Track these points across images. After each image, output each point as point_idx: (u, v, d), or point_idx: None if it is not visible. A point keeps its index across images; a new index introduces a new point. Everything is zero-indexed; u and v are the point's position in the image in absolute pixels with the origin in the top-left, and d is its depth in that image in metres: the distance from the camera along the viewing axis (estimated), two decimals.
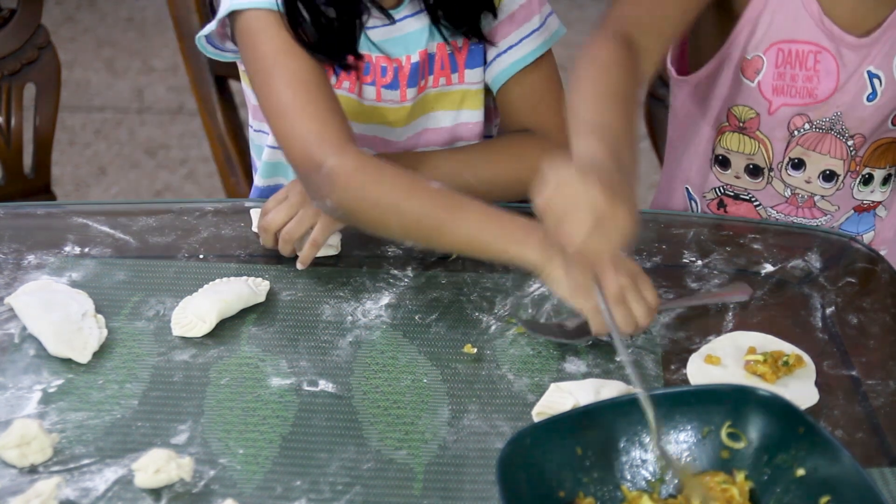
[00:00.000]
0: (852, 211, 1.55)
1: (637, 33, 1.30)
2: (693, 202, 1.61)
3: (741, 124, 1.49)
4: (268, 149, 1.53)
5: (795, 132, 1.47)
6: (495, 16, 1.43)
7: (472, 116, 1.50)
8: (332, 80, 1.41)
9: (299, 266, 1.32)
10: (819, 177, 1.50)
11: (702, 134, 1.54)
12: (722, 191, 1.57)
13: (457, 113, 1.49)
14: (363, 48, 1.41)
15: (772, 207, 1.55)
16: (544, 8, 1.47)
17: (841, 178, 1.50)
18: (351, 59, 1.40)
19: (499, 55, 1.45)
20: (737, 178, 1.54)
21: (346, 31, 1.38)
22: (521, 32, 1.45)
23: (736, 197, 1.56)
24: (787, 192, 1.52)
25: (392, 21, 1.41)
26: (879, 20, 1.40)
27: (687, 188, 1.60)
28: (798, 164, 1.49)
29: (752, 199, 1.55)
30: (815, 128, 1.46)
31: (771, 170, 1.51)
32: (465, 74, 1.47)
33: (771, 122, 1.47)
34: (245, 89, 1.50)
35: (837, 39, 1.40)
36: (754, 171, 1.52)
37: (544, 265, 1.17)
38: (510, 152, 1.44)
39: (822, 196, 1.52)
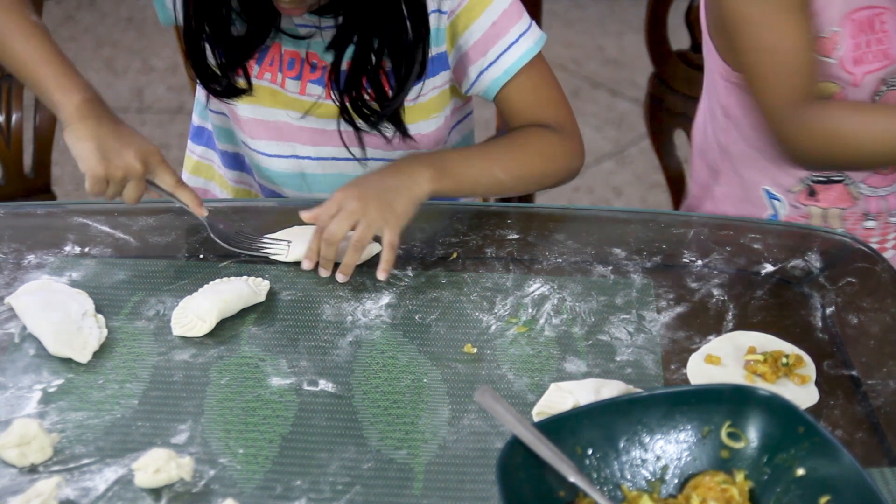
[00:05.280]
0: None
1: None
2: (776, 201, 1.59)
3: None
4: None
5: (876, 97, 1.47)
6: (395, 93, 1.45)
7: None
8: (255, 69, 1.48)
9: (381, 276, 1.31)
10: None
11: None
12: (811, 180, 1.55)
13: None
14: (272, 38, 1.47)
15: (861, 182, 1.53)
16: (525, 15, 1.48)
17: None
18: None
19: (492, 63, 1.47)
20: None
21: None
22: (508, 39, 1.46)
23: (828, 181, 1.54)
24: None
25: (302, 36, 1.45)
26: None
27: (766, 189, 1.59)
28: None
29: (843, 179, 1.53)
30: (890, 86, 1.46)
31: None
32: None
33: (857, 94, 1.46)
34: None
35: None
36: None
37: (71, 121, 1.32)
38: (535, 150, 1.48)
39: None
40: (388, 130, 1.47)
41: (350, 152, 1.50)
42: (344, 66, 1.42)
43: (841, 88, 1.46)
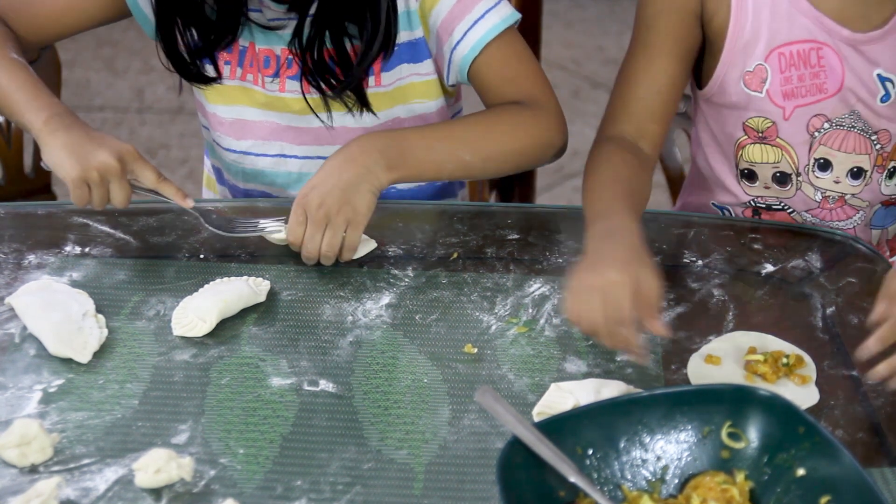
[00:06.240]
0: (880, 205, 1.54)
1: (631, 135, 1.43)
2: (726, 212, 1.59)
3: (760, 134, 1.48)
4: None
5: (816, 133, 1.46)
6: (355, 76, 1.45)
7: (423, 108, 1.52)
8: (238, 72, 1.49)
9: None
10: (847, 175, 1.48)
11: (723, 150, 1.53)
12: (754, 203, 1.55)
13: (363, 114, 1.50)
14: (247, 38, 1.47)
15: (806, 212, 1.53)
16: None
17: (868, 174, 1.49)
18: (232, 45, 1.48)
19: (459, 41, 1.45)
20: (766, 188, 1.52)
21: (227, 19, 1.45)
22: (474, 15, 1.44)
23: (769, 207, 1.54)
24: (818, 196, 1.50)
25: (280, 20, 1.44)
26: (876, 21, 1.40)
27: (715, 204, 1.59)
28: (825, 165, 1.48)
29: (786, 208, 1.53)
30: (836, 125, 1.45)
31: (798, 174, 1.49)
32: (380, 77, 1.48)
33: (789, 128, 1.46)
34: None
35: (833, 33, 1.40)
36: (782, 178, 1.50)
37: (42, 137, 1.33)
38: (505, 126, 1.44)
39: (853, 194, 1.50)
40: (350, 101, 1.46)
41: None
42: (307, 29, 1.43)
43: (772, 123, 1.46)
